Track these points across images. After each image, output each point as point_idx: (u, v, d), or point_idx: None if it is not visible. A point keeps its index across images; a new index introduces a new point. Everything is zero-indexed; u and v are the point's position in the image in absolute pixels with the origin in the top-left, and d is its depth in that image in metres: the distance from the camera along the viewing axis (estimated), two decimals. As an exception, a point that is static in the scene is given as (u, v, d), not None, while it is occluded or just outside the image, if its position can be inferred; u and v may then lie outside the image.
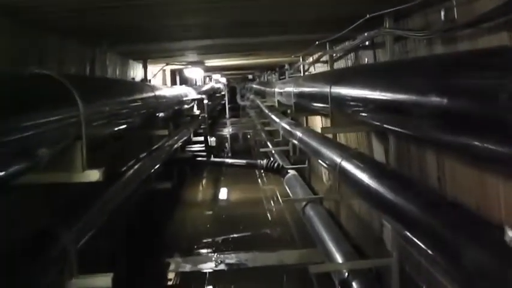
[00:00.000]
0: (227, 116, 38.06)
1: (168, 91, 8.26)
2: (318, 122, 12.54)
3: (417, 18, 4.88)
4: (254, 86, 26.15)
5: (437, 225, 2.98)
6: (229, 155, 23.69)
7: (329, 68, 8.79)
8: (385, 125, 3.76)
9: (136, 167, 6.04)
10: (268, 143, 17.01)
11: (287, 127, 10.29)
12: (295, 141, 9.36)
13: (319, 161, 6.93)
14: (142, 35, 6.53)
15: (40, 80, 3.36)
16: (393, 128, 3.62)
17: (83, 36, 6.04)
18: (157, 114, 6.42)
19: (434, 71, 2.80)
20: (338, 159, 5.59)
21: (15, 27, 4.49)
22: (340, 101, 5.14)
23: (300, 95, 7.86)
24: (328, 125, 5.88)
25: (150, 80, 10.78)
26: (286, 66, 15.79)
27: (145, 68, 9.79)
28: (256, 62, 14.71)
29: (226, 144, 26.41)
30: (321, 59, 10.05)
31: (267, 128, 16.80)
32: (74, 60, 6.39)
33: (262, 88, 17.81)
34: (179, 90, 9.92)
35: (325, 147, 6.71)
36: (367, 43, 7.05)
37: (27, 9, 4.05)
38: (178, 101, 9.33)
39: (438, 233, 2.90)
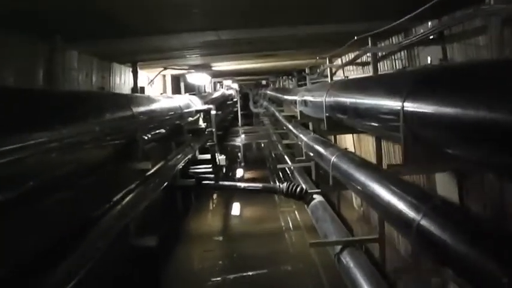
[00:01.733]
0: (240, 124, 36.20)
1: (160, 103, 6.22)
2: (348, 140, 10.41)
3: None
4: (269, 92, 24.07)
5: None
6: (242, 164, 21.78)
7: (372, 71, 6.68)
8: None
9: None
10: (287, 159, 14.91)
11: (315, 146, 8.18)
12: (325, 165, 7.28)
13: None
14: (120, 26, 4.54)
15: None
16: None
17: (28, 26, 4.07)
18: (135, 140, 4.38)
19: None
20: (414, 216, 3.48)
21: None
22: (423, 124, 3.10)
23: (337, 107, 5.78)
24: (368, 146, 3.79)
25: (142, 89, 8.75)
26: (307, 71, 13.69)
27: (134, 73, 7.77)
28: (272, 66, 12.61)
29: (239, 154, 24.43)
30: (357, 60, 7.95)
31: (285, 142, 14.69)
32: (18, 60, 4.40)
33: (279, 95, 15.65)
34: (178, 101, 7.89)
35: (380, 186, 4.62)
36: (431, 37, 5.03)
37: None
38: (176, 115, 7.30)
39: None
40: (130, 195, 5.15)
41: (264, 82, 32.05)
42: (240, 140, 28.35)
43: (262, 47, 7.57)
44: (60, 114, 3.11)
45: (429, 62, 5.66)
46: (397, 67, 6.81)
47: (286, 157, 15.43)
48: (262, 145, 25.84)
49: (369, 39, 6.58)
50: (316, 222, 8.80)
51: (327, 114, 6.36)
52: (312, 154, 8.82)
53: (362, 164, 5.92)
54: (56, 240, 3.82)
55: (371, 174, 5.33)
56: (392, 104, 3.69)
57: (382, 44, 7.04)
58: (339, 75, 10.31)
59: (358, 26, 5.89)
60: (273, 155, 19.69)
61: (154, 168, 7.13)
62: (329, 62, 9.84)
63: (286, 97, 12.62)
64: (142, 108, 4.86)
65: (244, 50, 7.61)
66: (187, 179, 8.19)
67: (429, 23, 5.47)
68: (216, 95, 20.58)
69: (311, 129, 12.92)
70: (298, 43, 7.16)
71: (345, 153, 6.68)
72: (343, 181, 6.51)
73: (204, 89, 19.98)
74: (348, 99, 5.29)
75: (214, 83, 25.16)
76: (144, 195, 5.47)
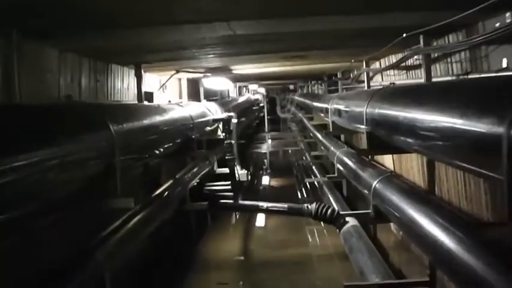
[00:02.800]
0: (266, 129, 35.03)
1: (161, 115, 5.01)
2: (386, 161, 9.07)
3: None
4: (296, 98, 22.81)
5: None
6: (268, 172, 20.60)
7: (424, 78, 5.35)
8: None
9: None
10: (316, 171, 13.62)
11: (350, 164, 6.90)
12: (364, 190, 6.01)
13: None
14: (104, 17, 3.37)
15: None
16: None
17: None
18: (112, 166, 3.19)
19: None
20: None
21: None
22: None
23: (383, 122, 4.52)
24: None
25: (151, 95, 7.60)
26: (339, 75, 12.39)
27: (138, 76, 6.61)
28: (300, 70, 11.31)
29: (265, 160, 23.26)
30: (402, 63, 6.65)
31: (314, 153, 13.39)
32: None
33: (308, 102, 14.34)
34: (189, 109, 6.68)
35: (445, 234, 3.38)
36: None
37: None
38: (185, 126, 6.11)
39: None
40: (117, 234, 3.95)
41: (291, 87, 30.87)
42: (266, 147, 27.15)
43: (289, 47, 6.32)
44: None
45: (505, 65, 4.37)
46: (455, 72, 5.49)
47: (315, 170, 14.16)
48: (289, 151, 24.61)
49: (421, 37, 5.29)
50: (350, 252, 7.49)
51: (368, 129, 5.09)
52: (345, 172, 7.55)
53: (415, 195, 4.63)
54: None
55: (429, 212, 4.07)
56: (483, 126, 2.44)
57: (435, 43, 5.72)
58: (376, 81, 9.01)
59: (403, 19, 4.60)
60: (301, 164, 18.40)
61: (158, 191, 5.96)
62: (366, 66, 8.55)
63: (315, 104, 11.33)
64: (127, 124, 3.67)
65: (266, 50, 6.36)
66: (198, 203, 6.98)
67: (507, 15, 4.18)
68: (240, 100, 19.38)
69: (343, 140, 11.65)
70: (335, 41, 5.90)
71: (390, 179, 5.38)
72: (386, 212, 5.24)
73: (228, 94, 18.79)
74: (400, 113, 4.00)
75: (240, 88, 24.02)
76: (132, 233, 4.27)
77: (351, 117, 6.02)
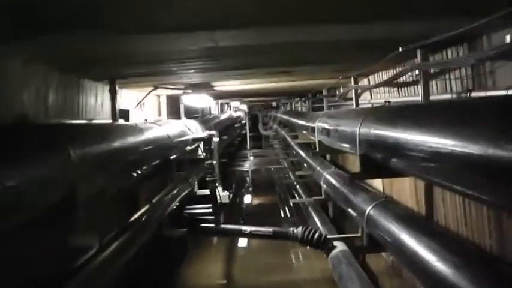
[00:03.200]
0: (248, 146, 34.61)
1: (132, 135, 4.51)
2: (375, 182, 8.64)
3: None
4: (279, 115, 22.41)
5: None
6: (251, 190, 20.13)
7: (422, 96, 4.96)
8: None
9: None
10: (301, 191, 13.18)
11: (341, 188, 6.48)
12: (356, 216, 5.59)
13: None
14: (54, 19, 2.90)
15: None
16: None
17: None
18: (72, 195, 2.69)
19: None
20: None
21: None
22: None
23: (379, 144, 4.10)
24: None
25: (127, 112, 7.13)
26: (324, 92, 12.02)
27: (112, 92, 6.13)
28: (284, 87, 10.93)
29: (247, 178, 22.82)
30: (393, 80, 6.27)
31: (298, 173, 12.97)
32: None
33: (292, 119, 13.93)
34: (167, 129, 6.20)
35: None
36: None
37: None
38: (162, 147, 5.64)
39: None
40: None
41: (274, 104, 30.58)
42: (248, 165, 26.69)
43: (275, 62, 5.91)
44: None
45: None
46: (454, 89, 5.12)
47: (299, 189, 13.73)
48: (272, 169, 24.18)
49: (419, 51, 4.92)
50: (340, 280, 7.03)
51: (362, 151, 4.68)
52: (333, 194, 7.13)
53: (416, 224, 4.23)
54: None
55: (434, 245, 3.68)
56: (494, 151, 2.07)
57: (431, 58, 5.35)
58: (364, 99, 8.63)
59: (399, 30, 4.22)
60: (284, 183, 17.95)
61: (134, 217, 5.46)
62: (354, 82, 8.18)
63: (300, 122, 10.92)
64: (92, 146, 3.20)
65: (250, 65, 5.93)
66: (176, 229, 6.50)
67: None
68: (222, 117, 18.92)
69: (328, 159, 11.25)
70: (323, 55, 5.50)
71: (386, 205, 4.96)
72: (382, 242, 4.82)
73: (210, 112, 18.33)
74: (399, 135, 3.59)
75: (221, 104, 23.60)
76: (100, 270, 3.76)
77: (341, 137, 5.61)
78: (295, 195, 14.31)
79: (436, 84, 5.62)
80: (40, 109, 4.66)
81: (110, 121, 6.22)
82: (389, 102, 4.91)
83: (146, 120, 6.08)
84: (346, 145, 5.41)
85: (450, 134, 2.67)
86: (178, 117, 10.51)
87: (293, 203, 13.72)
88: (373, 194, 5.38)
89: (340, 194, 6.48)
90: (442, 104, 4.13)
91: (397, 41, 4.66)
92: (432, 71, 5.36)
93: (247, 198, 17.89)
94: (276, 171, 23.01)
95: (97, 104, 6.34)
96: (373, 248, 5.16)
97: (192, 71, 6.16)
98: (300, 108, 18.81)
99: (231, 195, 10.03)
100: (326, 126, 6.74)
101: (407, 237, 4.10)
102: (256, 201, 17.48)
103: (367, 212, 4.96)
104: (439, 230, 4.53)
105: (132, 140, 4.54)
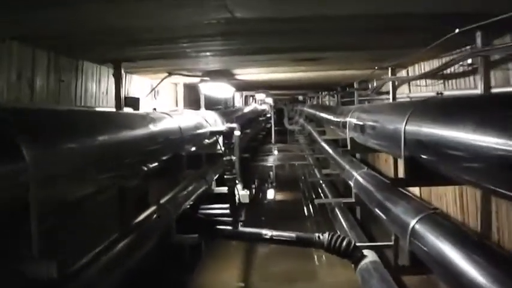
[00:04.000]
0: (273, 141, 33.83)
1: (133, 128, 3.76)
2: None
3: None
4: (306, 109, 21.50)
5: None
6: (274, 184, 19.35)
7: (482, 88, 4.08)
8: None
9: None
10: (327, 190, 12.33)
11: (376, 195, 5.64)
12: (396, 230, 4.74)
13: None
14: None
15: None
16: None
17: None
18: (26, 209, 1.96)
19: None
20: None
21: None
22: None
23: (433, 146, 3.26)
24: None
25: (136, 101, 6.39)
26: (356, 85, 11.11)
27: (117, 78, 5.38)
28: (311, 78, 10.02)
29: (271, 173, 22.09)
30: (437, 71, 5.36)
31: (325, 171, 12.09)
32: None
33: (319, 114, 13.01)
34: (179, 120, 5.43)
35: None
36: None
37: None
38: (170, 141, 4.88)
39: None
40: None
41: (300, 98, 29.72)
42: (272, 160, 25.92)
43: (300, 44, 5.06)
44: None
45: None
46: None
47: (325, 188, 12.88)
48: (296, 164, 23.38)
49: (478, 33, 4.04)
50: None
51: (408, 154, 3.83)
52: (367, 199, 6.29)
53: (476, 245, 3.40)
54: None
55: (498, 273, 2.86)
56: None
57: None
58: (401, 93, 7.72)
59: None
60: (308, 180, 17.10)
61: (136, 221, 4.71)
62: (391, 74, 7.29)
63: (329, 117, 10.04)
64: (55, 142, 2.42)
65: (272, 48, 5.09)
66: (187, 235, 5.73)
67: None
68: (246, 110, 18.09)
69: (358, 156, 10.37)
70: (355, 38, 4.65)
71: (435, 218, 4.10)
72: (430, 264, 3.97)
73: (233, 104, 17.49)
74: (459, 134, 2.75)
75: (246, 97, 22.82)
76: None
77: (379, 135, 4.75)
78: (321, 193, 13.47)
79: (494, 75, 4.73)
80: (24, 94, 3.93)
81: (113, 110, 5.47)
82: (441, 93, 4.04)
83: (155, 109, 5.31)
84: (386, 145, 4.57)
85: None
86: (198, 109, 9.74)
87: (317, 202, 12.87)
88: (418, 204, 4.50)
89: (375, 201, 5.62)
90: (505, 97, 3.28)
91: (448, 20, 3.79)
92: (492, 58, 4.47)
93: (270, 194, 17.16)
94: (300, 167, 22.21)
95: (100, 90, 5.60)
96: (416, 269, 4.34)
97: (209, 53, 5.36)
98: (327, 103, 17.87)
99: (252, 194, 9.22)
100: (360, 122, 5.89)
101: (465, 263, 3.28)
102: (278, 198, 16.73)
103: (411, 226, 4.11)
104: (505, 256, 3.69)
105: (129, 132, 3.77)
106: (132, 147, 3.79)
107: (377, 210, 5.46)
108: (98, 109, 5.45)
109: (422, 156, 3.59)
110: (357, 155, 10.15)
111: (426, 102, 3.88)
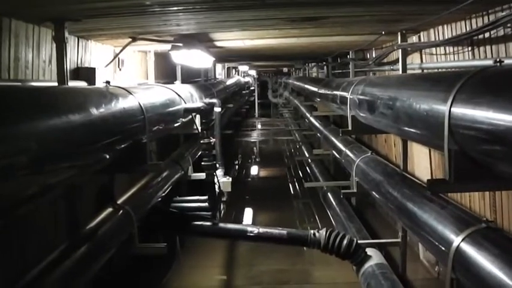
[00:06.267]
0: (256, 114, 32.75)
1: (72, 110, 2.60)
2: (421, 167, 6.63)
3: None
4: (291, 81, 20.26)
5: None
6: (258, 160, 18.29)
7: None
8: None
9: None
10: (317, 173, 11.18)
11: (398, 196, 4.48)
12: (433, 249, 3.63)
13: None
14: None
15: None
16: None
17: None
18: None
19: None
20: None
21: None
22: None
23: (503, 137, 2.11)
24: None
25: (92, 72, 5.15)
26: (351, 55, 9.90)
27: (59, 42, 4.10)
28: (303, 45, 8.73)
29: (254, 149, 21.05)
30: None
31: (316, 151, 10.96)
32: None
33: (309, 87, 11.77)
34: (141, 97, 4.17)
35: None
36: None
37: None
38: (126, 128, 3.69)
39: None
40: None
41: (285, 69, 28.54)
42: (256, 135, 24.82)
43: None
44: None
45: None
46: None
47: (315, 168, 11.76)
48: (281, 140, 22.34)
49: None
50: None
51: (454, 147, 2.70)
52: (381, 199, 5.14)
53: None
54: None
55: None
56: None
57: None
58: (411, 63, 6.55)
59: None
60: (296, 158, 15.99)
61: (85, 229, 3.54)
62: (401, 40, 6.10)
63: (322, 91, 8.84)
64: None
65: (265, 3, 3.87)
66: (151, 244, 4.56)
67: None
68: (228, 82, 16.77)
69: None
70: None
71: (487, 234, 2.99)
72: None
73: (214, 76, 16.13)
74: None
75: (228, 69, 21.51)
76: None
77: (403, 118, 3.58)
78: (309, 171, 12.38)
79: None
80: None
81: (55, 84, 4.22)
82: (501, 62, 2.90)
83: (108, 82, 4.09)
84: (416, 132, 3.42)
85: None
86: (173, 82, 8.48)
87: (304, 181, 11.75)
88: (463, 213, 3.34)
89: (394, 203, 4.46)
90: None
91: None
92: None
93: (254, 171, 16.07)
94: (285, 143, 21.15)
95: (40, 58, 4.35)
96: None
97: (180, 10, 4.12)
98: (316, 75, 16.62)
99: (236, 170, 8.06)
100: (370, 98, 4.74)
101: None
102: (263, 174, 15.66)
103: (454, 246, 2.98)
104: None
105: (59, 116, 2.57)
106: (68, 135, 2.61)
107: (397, 215, 4.33)
108: (36, 84, 4.21)
109: (479, 150, 2.50)
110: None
111: (484, 72, 2.72)
